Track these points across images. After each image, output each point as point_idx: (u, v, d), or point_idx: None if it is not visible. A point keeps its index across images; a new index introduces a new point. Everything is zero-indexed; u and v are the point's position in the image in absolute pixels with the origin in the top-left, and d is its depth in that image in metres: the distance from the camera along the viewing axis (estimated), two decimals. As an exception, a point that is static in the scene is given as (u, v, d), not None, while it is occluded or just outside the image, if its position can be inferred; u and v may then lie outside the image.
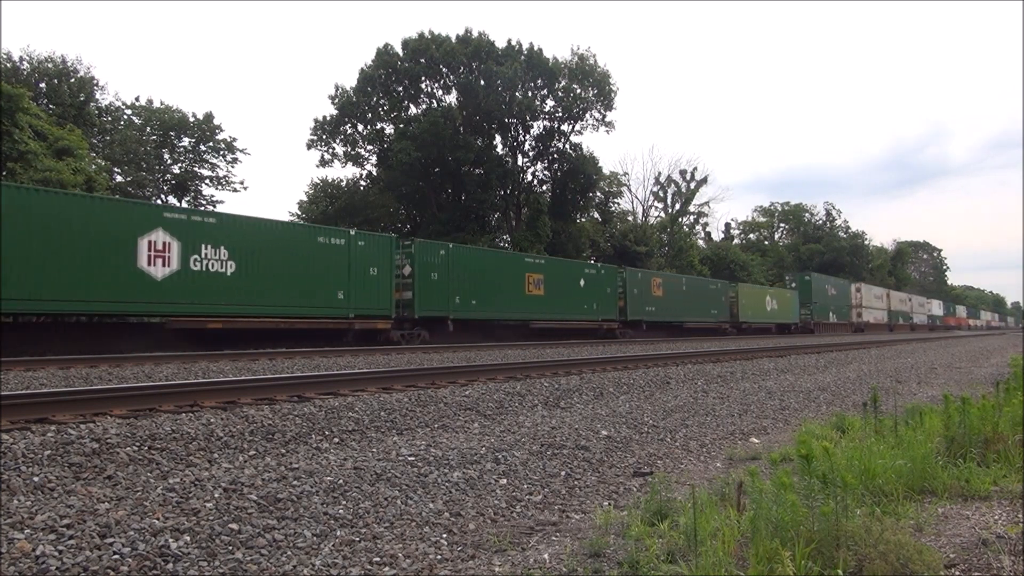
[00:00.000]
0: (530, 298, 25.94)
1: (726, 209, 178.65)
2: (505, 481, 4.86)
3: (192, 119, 41.23)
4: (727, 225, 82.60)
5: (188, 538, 3.35)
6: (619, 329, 30.22)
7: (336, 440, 5.61)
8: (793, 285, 50.33)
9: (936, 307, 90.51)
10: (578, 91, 44.32)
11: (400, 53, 42.45)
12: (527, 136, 45.61)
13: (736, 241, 79.36)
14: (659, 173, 69.10)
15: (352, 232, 20.01)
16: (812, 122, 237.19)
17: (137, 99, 41.71)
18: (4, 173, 22.27)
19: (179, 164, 41.80)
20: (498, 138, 44.89)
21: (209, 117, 41.75)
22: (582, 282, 28.69)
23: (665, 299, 33.65)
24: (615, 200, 58.00)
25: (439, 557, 3.51)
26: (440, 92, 43.64)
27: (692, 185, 64.42)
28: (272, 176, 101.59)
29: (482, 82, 41.80)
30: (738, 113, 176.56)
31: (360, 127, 44.29)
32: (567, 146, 45.70)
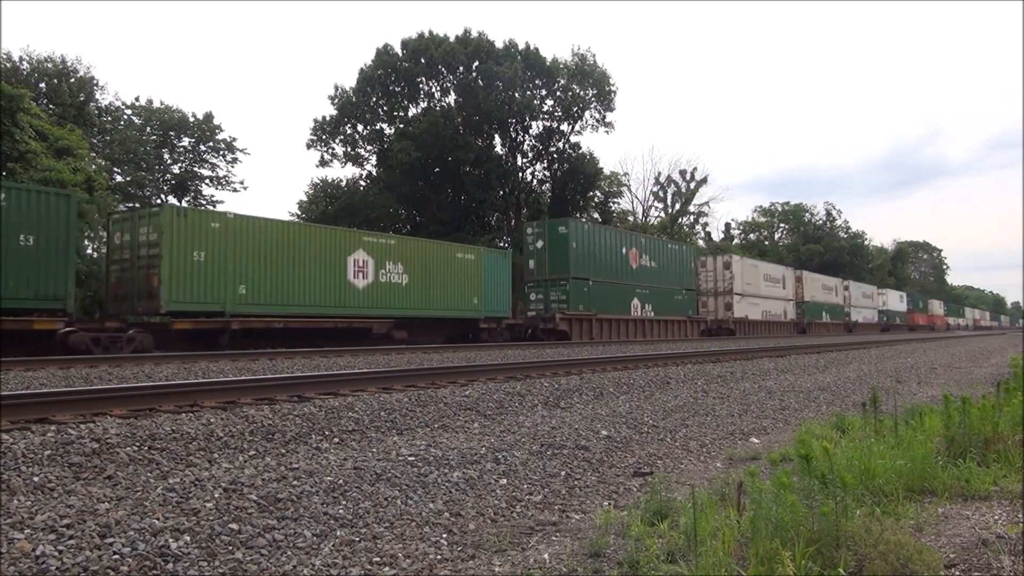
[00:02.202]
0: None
1: (726, 209, 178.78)
2: (505, 481, 4.86)
3: (192, 119, 41.24)
4: (727, 225, 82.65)
5: (188, 538, 3.35)
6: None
7: (336, 440, 5.61)
8: (539, 244, 26.55)
9: (896, 300, 73.38)
10: (577, 91, 44.34)
11: (400, 53, 42.48)
12: (527, 136, 45.64)
13: (736, 241, 79.37)
14: (659, 173, 69.13)
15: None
16: (811, 122, 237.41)
17: (137, 99, 41.73)
18: (4, 173, 22.27)
19: (179, 164, 41.83)
20: (498, 138, 44.91)
21: (209, 117, 41.77)
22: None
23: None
24: (615, 200, 58.08)
25: (439, 557, 3.51)
26: (439, 92, 43.66)
27: (692, 185, 64.46)
28: (272, 176, 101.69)
29: (481, 82, 41.81)
30: (738, 113, 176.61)
31: (360, 127, 44.32)
32: (567, 146, 45.72)
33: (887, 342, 30.24)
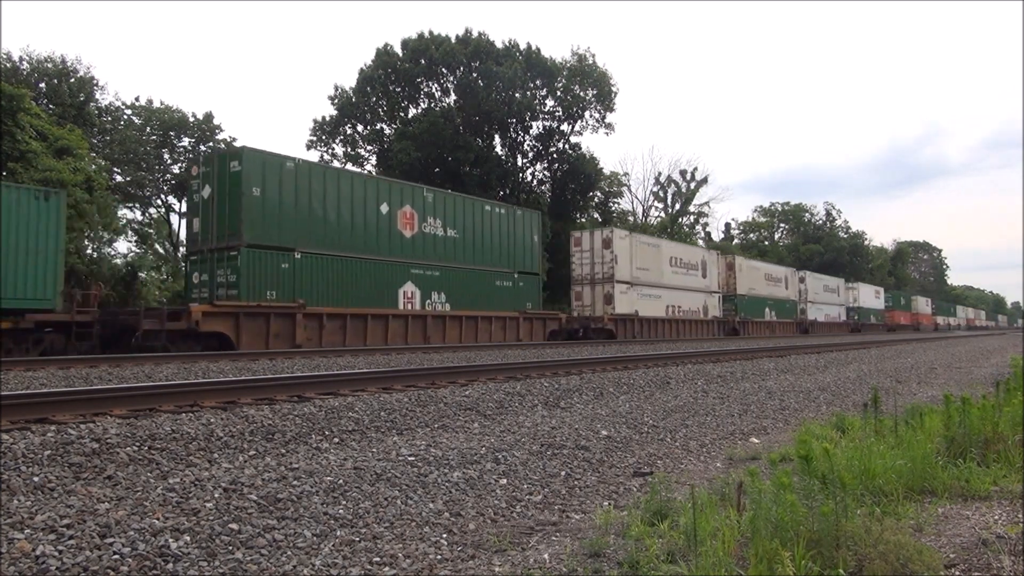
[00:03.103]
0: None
1: (726, 209, 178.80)
2: (505, 481, 4.86)
3: (192, 119, 41.23)
4: (727, 225, 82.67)
5: (188, 538, 3.35)
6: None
7: (336, 440, 5.61)
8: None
9: (869, 295, 63.28)
10: (578, 91, 44.31)
11: (400, 53, 42.47)
12: (527, 136, 45.62)
13: (736, 241, 79.37)
14: (659, 173, 69.19)
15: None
16: (809, 123, 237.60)
17: (137, 99, 41.73)
18: (4, 173, 22.28)
19: (179, 164, 41.80)
20: (498, 138, 44.90)
21: (209, 117, 41.75)
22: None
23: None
24: (615, 200, 58.04)
25: (439, 557, 3.50)
26: (439, 92, 43.65)
27: (692, 185, 64.47)
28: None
29: (481, 82, 41.81)
30: (737, 113, 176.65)
31: (360, 127, 44.31)
32: (567, 146, 45.71)
33: (887, 342, 30.22)
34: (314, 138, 44.20)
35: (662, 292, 31.89)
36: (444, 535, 3.83)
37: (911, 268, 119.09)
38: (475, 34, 42.53)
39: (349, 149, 44.55)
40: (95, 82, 36.39)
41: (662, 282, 31.99)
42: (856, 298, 59.43)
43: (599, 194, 52.27)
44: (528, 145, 46.00)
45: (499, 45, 42.67)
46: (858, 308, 59.19)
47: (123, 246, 52.33)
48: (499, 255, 24.20)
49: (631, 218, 60.05)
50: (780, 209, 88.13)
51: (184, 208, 24.09)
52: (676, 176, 64.19)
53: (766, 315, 42.26)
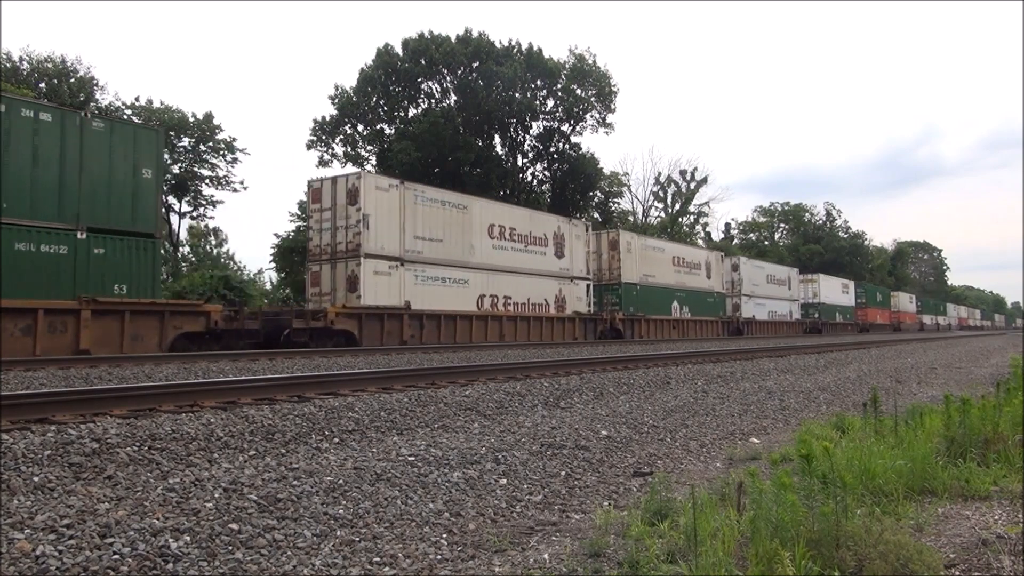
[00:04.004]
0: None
1: (726, 209, 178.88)
2: (505, 481, 4.86)
3: (192, 119, 41.23)
4: (727, 225, 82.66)
5: (188, 538, 3.35)
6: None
7: (336, 440, 5.61)
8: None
9: (834, 290, 53.50)
10: (578, 92, 44.33)
11: (400, 53, 42.49)
12: (527, 136, 45.65)
13: (736, 241, 79.38)
14: (659, 173, 69.20)
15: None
16: (807, 122, 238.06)
17: (137, 99, 41.70)
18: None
19: (179, 164, 41.81)
20: (498, 138, 44.91)
21: (209, 117, 41.77)
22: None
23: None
24: (615, 200, 58.11)
25: (439, 557, 3.50)
26: (440, 92, 43.67)
27: (692, 185, 64.49)
28: (272, 176, 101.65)
29: (482, 82, 41.82)
30: (736, 113, 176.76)
31: (360, 127, 44.34)
32: (567, 146, 45.72)
33: (887, 342, 30.22)
34: (314, 138, 44.23)
35: (470, 275, 22.02)
36: (444, 535, 3.83)
37: (911, 268, 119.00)
38: (475, 34, 42.56)
39: (349, 149, 44.60)
40: (95, 82, 36.44)
41: (470, 260, 22.08)
42: (816, 292, 50.63)
43: (599, 194, 52.29)
44: (528, 145, 46.07)
45: (499, 45, 42.70)
46: (818, 304, 50.40)
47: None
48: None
49: (631, 218, 60.07)
50: (780, 209, 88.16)
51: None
52: (676, 176, 64.25)
53: (674, 311, 33.26)
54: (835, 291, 54.58)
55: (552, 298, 26.17)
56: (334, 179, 19.92)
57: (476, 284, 22.73)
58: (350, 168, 43.20)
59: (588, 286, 28.18)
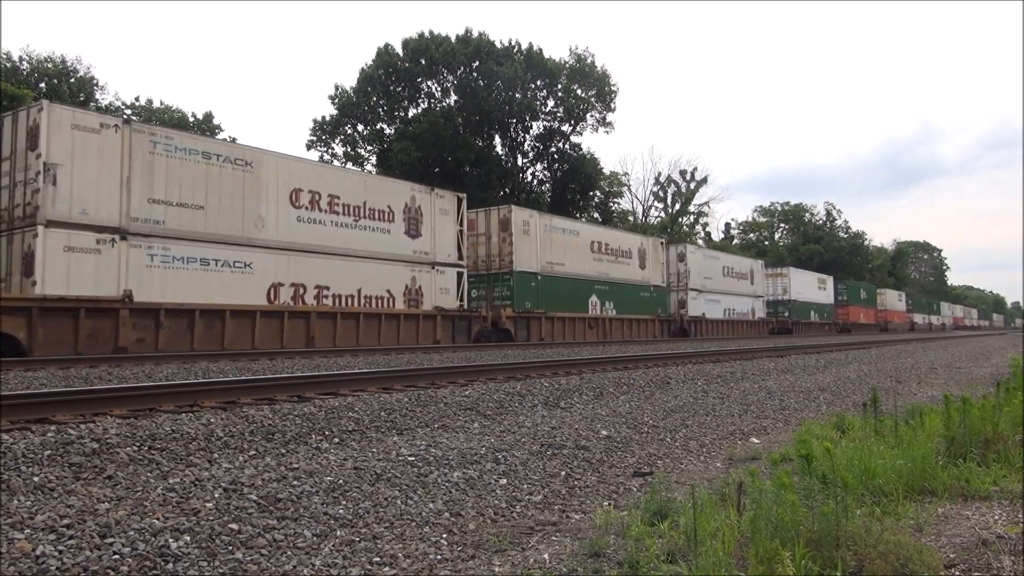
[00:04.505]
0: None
1: (726, 209, 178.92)
2: (505, 481, 4.86)
3: (192, 119, 41.25)
4: (727, 225, 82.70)
5: (188, 538, 3.35)
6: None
7: (336, 440, 5.61)
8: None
9: (808, 286, 48.36)
10: (578, 92, 44.35)
11: (400, 53, 42.50)
12: (527, 136, 45.66)
13: (736, 241, 79.40)
14: (659, 173, 69.17)
15: None
16: (805, 122, 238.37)
17: (137, 99, 41.74)
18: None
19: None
20: (498, 138, 44.92)
21: (209, 117, 41.80)
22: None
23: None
24: (615, 200, 58.13)
25: (439, 557, 3.50)
26: (440, 92, 43.68)
27: (692, 185, 64.51)
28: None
29: (482, 82, 41.83)
30: (735, 113, 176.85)
31: (360, 127, 44.35)
32: (567, 146, 45.74)
33: (888, 342, 30.22)
34: (314, 138, 44.25)
35: (255, 257, 16.54)
36: (444, 535, 3.83)
37: (911, 268, 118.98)
38: (475, 34, 42.58)
39: (349, 149, 44.63)
40: (95, 82, 36.44)
41: (256, 237, 16.64)
42: (786, 288, 45.04)
43: (599, 194, 52.30)
44: (528, 145, 46.08)
45: (499, 45, 42.71)
46: (789, 302, 44.95)
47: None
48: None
49: (631, 218, 60.08)
50: (780, 209, 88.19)
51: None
52: (676, 176, 64.26)
53: (593, 307, 27.58)
54: (809, 286, 49.19)
55: (400, 290, 20.13)
56: (14, 115, 14.23)
57: (265, 270, 16.79)
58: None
59: (460, 275, 22.15)
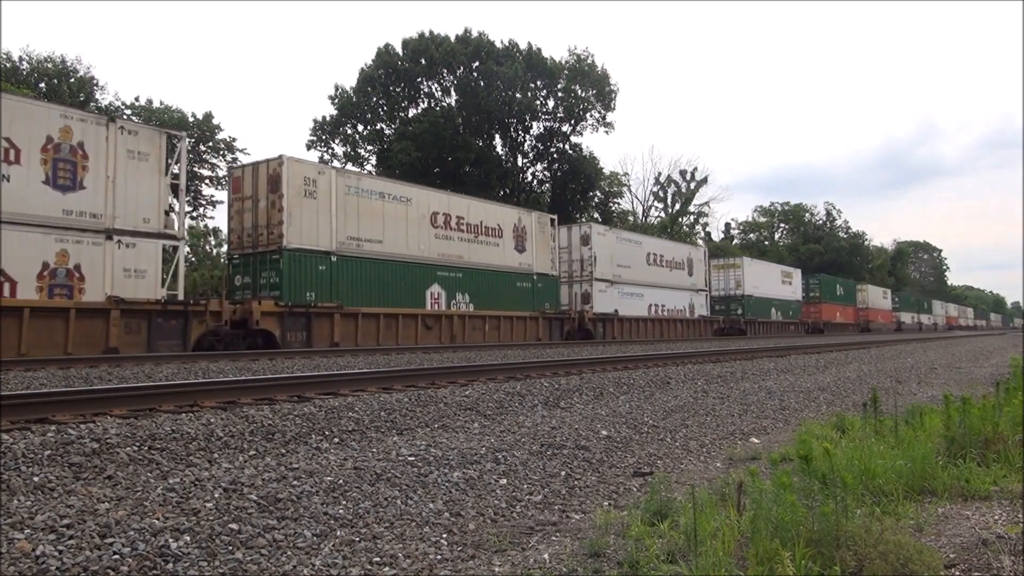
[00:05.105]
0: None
1: (726, 209, 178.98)
2: (505, 481, 4.86)
3: (192, 119, 41.24)
4: (727, 225, 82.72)
5: (188, 538, 3.35)
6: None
7: (336, 440, 5.61)
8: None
9: (768, 278, 42.07)
10: (578, 92, 44.36)
11: (400, 53, 42.51)
12: (527, 136, 45.67)
13: (736, 241, 79.41)
14: (659, 173, 69.15)
15: None
16: (804, 122, 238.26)
17: (137, 99, 41.74)
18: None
19: (179, 164, 41.80)
20: (498, 138, 44.93)
21: (209, 117, 41.79)
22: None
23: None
24: (615, 200, 58.12)
25: (439, 557, 3.50)
26: (440, 92, 43.69)
27: (692, 185, 64.51)
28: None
29: (482, 82, 41.84)
30: (735, 113, 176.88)
31: (360, 127, 44.35)
32: (567, 146, 45.74)
33: (888, 342, 30.22)
34: (314, 138, 44.25)
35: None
36: (444, 535, 3.83)
37: (911, 268, 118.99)
38: (475, 34, 42.59)
39: (349, 149, 44.63)
40: (95, 82, 36.45)
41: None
42: (739, 281, 38.47)
43: (599, 194, 52.29)
44: (528, 145, 46.07)
45: (499, 45, 42.73)
46: (743, 297, 38.36)
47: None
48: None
49: (631, 218, 60.07)
50: (780, 209, 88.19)
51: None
52: (676, 176, 64.27)
53: (432, 299, 21.58)
54: (769, 280, 42.30)
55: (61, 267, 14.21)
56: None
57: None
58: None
59: (158, 249, 15.82)
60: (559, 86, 44.12)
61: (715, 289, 38.46)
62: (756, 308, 39.79)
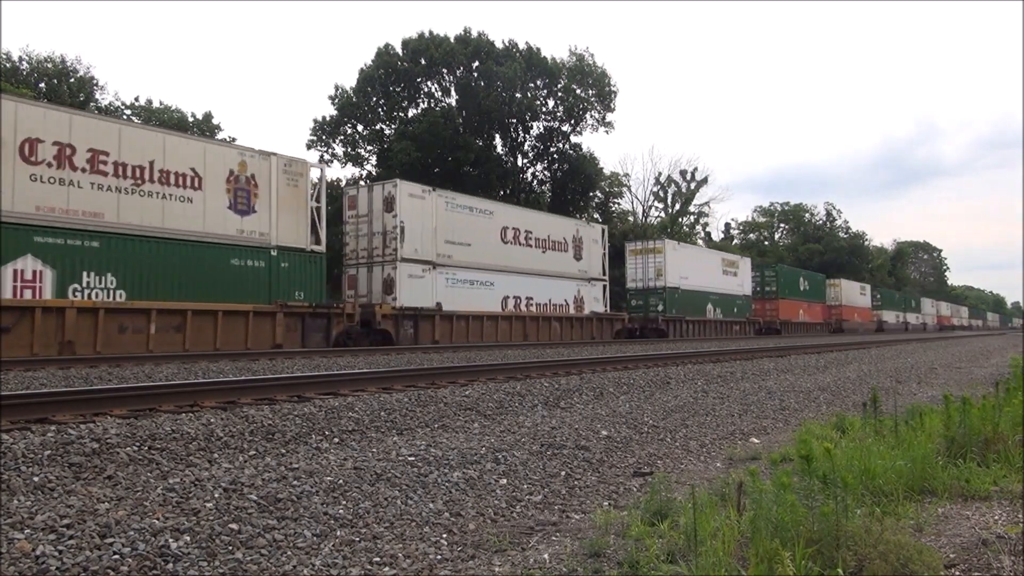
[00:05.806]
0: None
1: (726, 209, 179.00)
2: (505, 481, 4.86)
3: (192, 119, 41.23)
4: (727, 225, 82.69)
5: (188, 538, 3.35)
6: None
7: (336, 440, 5.61)
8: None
9: (700, 266, 34.61)
10: (578, 92, 44.34)
11: (400, 53, 42.49)
12: (527, 136, 45.65)
13: (736, 241, 79.40)
14: (659, 173, 68.98)
15: None
16: (807, 122, 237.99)
17: (137, 99, 41.74)
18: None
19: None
20: (498, 138, 44.91)
21: (209, 117, 41.77)
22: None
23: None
24: (615, 200, 58.07)
25: (439, 557, 3.50)
26: (440, 92, 43.68)
27: (692, 185, 64.50)
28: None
29: (482, 82, 41.83)
30: (735, 113, 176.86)
31: (360, 127, 44.32)
32: (567, 146, 45.72)
33: (888, 342, 30.21)
34: (314, 138, 44.22)
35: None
36: (444, 535, 3.83)
37: (911, 268, 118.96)
38: (475, 34, 42.57)
39: (349, 149, 44.58)
40: (95, 82, 36.44)
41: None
42: (660, 269, 31.28)
43: (599, 194, 52.27)
44: (528, 145, 46.05)
45: (499, 45, 42.71)
46: (663, 290, 31.24)
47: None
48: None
49: (631, 218, 60.05)
50: (780, 209, 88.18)
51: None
52: (676, 176, 64.25)
53: (76, 293, 13.98)
54: (704, 270, 34.75)
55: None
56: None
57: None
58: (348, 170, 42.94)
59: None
60: (559, 86, 44.10)
61: (632, 280, 32.27)
62: (684, 304, 32.51)
